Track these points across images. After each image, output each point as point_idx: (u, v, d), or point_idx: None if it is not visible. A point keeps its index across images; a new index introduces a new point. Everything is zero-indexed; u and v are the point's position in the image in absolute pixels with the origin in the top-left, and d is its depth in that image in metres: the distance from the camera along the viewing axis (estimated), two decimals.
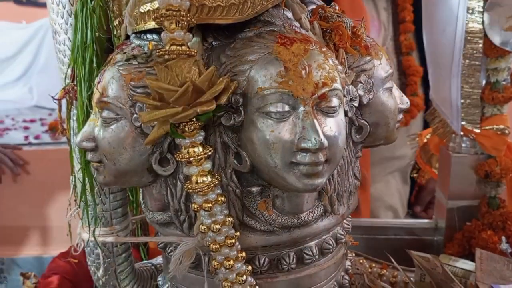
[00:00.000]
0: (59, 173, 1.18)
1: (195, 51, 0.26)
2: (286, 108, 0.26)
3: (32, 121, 1.74)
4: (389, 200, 0.95)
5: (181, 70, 0.25)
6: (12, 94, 2.33)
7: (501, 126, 0.59)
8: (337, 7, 0.36)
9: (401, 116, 0.38)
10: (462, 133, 0.59)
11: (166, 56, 0.25)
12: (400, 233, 0.69)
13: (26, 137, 1.44)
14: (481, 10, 0.56)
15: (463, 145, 0.62)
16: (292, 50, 0.26)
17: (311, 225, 0.32)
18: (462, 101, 0.58)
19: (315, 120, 0.26)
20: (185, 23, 0.26)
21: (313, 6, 0.36)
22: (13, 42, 2.45)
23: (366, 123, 0.34)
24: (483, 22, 0.56)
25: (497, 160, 0.59)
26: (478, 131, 0.58)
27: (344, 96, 0.29)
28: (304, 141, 0.26)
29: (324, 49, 0.28)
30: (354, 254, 0.48)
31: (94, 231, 0.35)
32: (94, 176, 0.32)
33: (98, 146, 0.30)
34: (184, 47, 0.25)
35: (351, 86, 0.31)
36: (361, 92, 0.33)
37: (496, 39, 0.56)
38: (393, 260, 0.44)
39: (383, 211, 0.95)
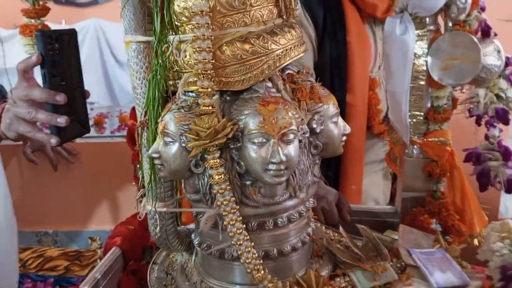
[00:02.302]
0: (104, 162, 1.43)
1: (216, 108, 0.49)
2: (263, 140, 0.49)
3: None
4: (373, 193, 1.18)
5: (208, 120, 0.48)
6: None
7: (442, 139, 0.80)
8: (304, 71, 0.58)
9: (344, 137, 0.59)
10: (410, 143, 0.80)
11: (201, 112, 0.48)
12: (369, 216, 0.91)
13: None
14: (425, 55, 0.77)
15: (415, 151, 0.83)
16: (268, 108, 0.49)
17: (281, 204, 0.55)
18: (410, 120, 0.79)
19: (278, 147, 0.48)
20: (211, 93, 0.49)
21: (290, 71, 0.58)
22: None
23: (320, 143, 0.56)
24: (426, 64, 0.77)
25: (438, 164, 0.81)
26: (420, 141, 0.79)
27: (298, 131, 0.51)
28: (272, 158, 0.48)
29: (286, 107, 0.50)
30: (319, 224, 0.71)
31: (155, 205, 0.59)
32: (157, 172, 0.56)
33: (161, 156, 0.53)
34: (210, 107, 0.48)
35: (304, 125, 0.53)
36: (315, 125, 0.55)
37: (435, 76, 0.76)
38: (342, 230, 0.66)
39: (369, 201, 1.18)
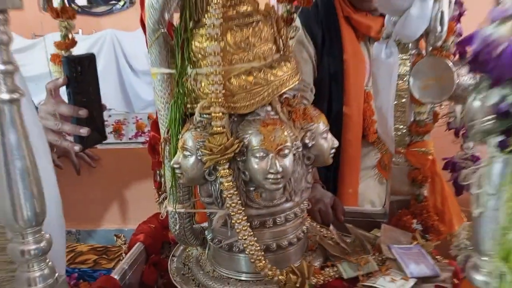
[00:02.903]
0: (123, 166, 1.55)
1: (226, 129, 0.61)
2: (264, 154, 0.60)
3: None
4: (369, 196, 1.29)
5: (219, 138, 0.60)
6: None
7: (424, 149, 0.91)
8: (298, 95, 0.70)
9: (333, 150, 0.71)
10: (395, 153, 0.92)
11: (213, 132, 0.60)
12: (361, 217, 1.02)
13: None
14: (408, 75, 0.88)
15: (400, 160, 0.94)
16: (267, 129, 0.61)
17: (279, 206, 0.66)
18: (395, 132, 0.90)
19: (276, 160, 0.60)
20: (222, 117, 0.60)
21: (287, 95, 0.70)
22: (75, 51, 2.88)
23: (312, 155, 0.68)
24: (409, 83, 0.88)
25: (420, 171, 0.91)
26: (404, 151, 0.90)
27: (292, 147, 0.63)
28: (271, 169, 0.60)
29: (283, 127, 0.62)
30: (314, 224, 0.82)
31: (175, 206, 0.71)
32: (177, 179, 0.68)
33: (181, 166, 0.65)
34: (220, 128, 0.60)
35: (298, 141, 0.64)
36: (307, 141, 0.67)
37: (416, 95, 0.87)
38: (332, 228, 0.77)
39: (365, 203, 1.29)
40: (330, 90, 1.19)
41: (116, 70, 2.80)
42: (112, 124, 1.90)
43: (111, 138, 1.86)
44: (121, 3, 3.41)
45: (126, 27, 2.98)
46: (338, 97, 1.18)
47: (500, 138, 0.37)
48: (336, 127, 1.15)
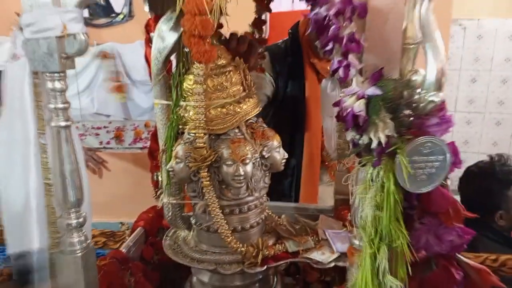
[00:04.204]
0: (125, 168, 1.82)
1: (206, 144, 0.88)
2: (231, 163, 0.88)
3: (98, 128, 2.40)
4: (326, 197, 1.58)
5: (201, 151, 0.87)
6: (78, 103, 2.98)
7: None
8: (260, 120, 0.97)
9: (284, 161, 0.98)
10: (338, 163, 1.20)
11: (197, 146, 0.87)
12: (315, 211, 1.30)
13: (101, 143, 2.08)
14: None
15: (342, 168, 1.22)
16: (234, 145, 0.88)
17: (244, 199, 0.94)
18: (338, 147, 1.19)
19: (240, 167, 0.88)
20: (203, 136, 0.88)
21: (251, 121, 0.97)
22: (79, 61, 3.14)
23: (268, 164, 0.96)
24: None
25: None
26: (344, 162, 1.19)
27: (252, 158, 0.90)
28: (236, 173, 0.87)
29: (246, 144, 0.89)
30: (270, 213, 1.10)
31: (169, 199, 0.98)
32: (171, 179, 0.95)
33: (173, 170, 0.92)
34: (202, 144, 0.87)
35: (257, 154, 0.92)
36: (264, 153, 0.94)
37: None
38: (283, 216, 1.05)
39: (321, 202, 1.57)
40: (294, 119, 1.48)
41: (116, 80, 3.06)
42: (113, 131, 2.15)
43: (112, 143, 2.12)
44: (121, 16, 3.68)
45: (125, 39, 3.25)
46: (300, 124, 1.47)
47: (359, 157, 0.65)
48: (300, 146, 1.45)
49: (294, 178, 1.48)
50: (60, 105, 0.73)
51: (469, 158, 3.26)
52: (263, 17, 1.24)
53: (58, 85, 0.71)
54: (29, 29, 0.67)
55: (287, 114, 1.48)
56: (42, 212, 0.79)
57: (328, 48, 0.57)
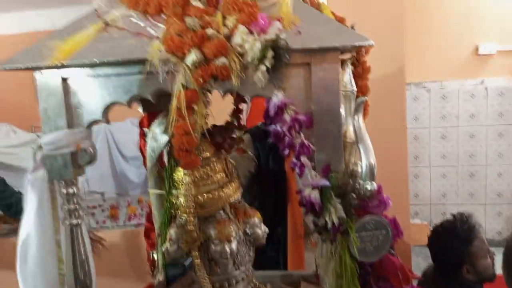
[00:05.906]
0: (121, 245, 1.92)
1: (195, 226, 1.02)
2: (218, 242, 1.01)
3: (94, 207, 2.51)
4: (313, 264, 1.69)
5: (191, 233, 1.01)
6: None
7: None
8: (242, 201, 1.12)
9: (266, 234, 1.12)
10: None
11: (187, 229, 1.01)
12: (294, 278, 1.41)
13: (97, 222, 2.19)
14: None
15: None
16: (220, 225, 1.02)
17: (231, 273, 1.06)
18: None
19: (225, 245, 1.01)
20: (192, 219, 1.02)
21: (233, 201, 1.12)
22: None
23: (251, 239, 1.09)
24: None
25: None
26: None
27: (236, 236, 1.04)
28: (222, 250, 1.01)
29: (230, 224, 1.03)
30: (258, 283, 1.21)
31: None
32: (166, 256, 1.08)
33: (168, 252, 1.05)
34: (192, 227, 1.01)
35: (240, 231, 1.06)
36: (247, 231, 1.08)
37: None
38: (268, 286, 1.17)
39: (308, 268, 1.69)
40: (277, 192, 1.64)
41: (109, 157, 3.23)
42: (108, 209, 2.26)
43: (108, 223, 2.22)
44: None
45: (116, 118, 3.46)
46: (283, 196, 1.63)
47: None
48: (284, 216, 1.60)
49: (281, 246, 1.61)
50: (72, 206, 0.88)
51: (449, 209, 3.41)
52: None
53: (71, 190, 0.86)
54: (48, 147, 0.83)
55: (270, 187, 1.63)
56: None
57: (286, 153, 0.74)
